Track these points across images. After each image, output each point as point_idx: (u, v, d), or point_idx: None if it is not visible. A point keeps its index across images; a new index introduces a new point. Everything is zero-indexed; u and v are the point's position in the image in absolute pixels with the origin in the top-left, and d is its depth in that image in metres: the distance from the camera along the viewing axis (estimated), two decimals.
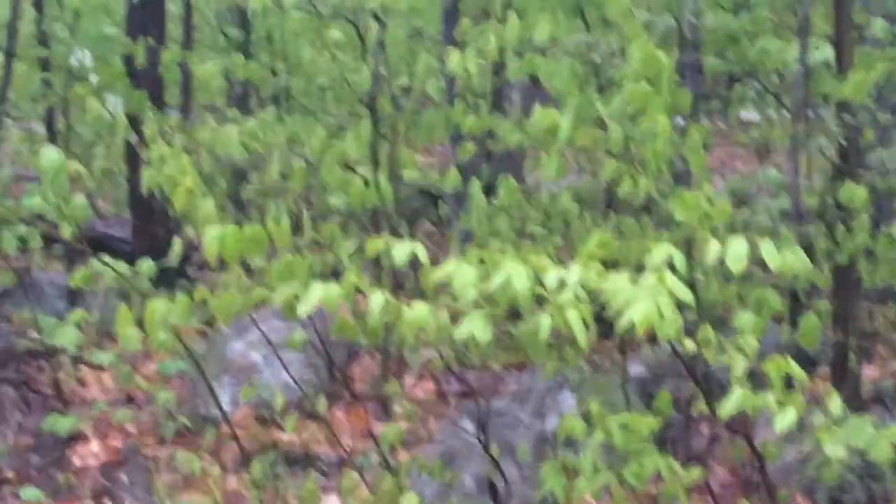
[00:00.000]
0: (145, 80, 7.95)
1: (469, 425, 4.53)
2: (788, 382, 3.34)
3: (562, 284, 3.17)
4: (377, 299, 3.25)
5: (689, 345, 3.57)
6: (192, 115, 9.21)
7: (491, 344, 3.27)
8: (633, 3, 4.25)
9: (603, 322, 3.17)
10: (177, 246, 3.79)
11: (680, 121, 4.83)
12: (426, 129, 7.93)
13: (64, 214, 4.80)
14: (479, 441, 4.27)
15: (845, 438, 3.24)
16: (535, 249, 4.18)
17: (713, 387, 4.08)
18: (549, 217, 5.85)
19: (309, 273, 3.51)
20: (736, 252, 3.21)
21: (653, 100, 4.05)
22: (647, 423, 3.78)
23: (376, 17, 5.78)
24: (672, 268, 3.19)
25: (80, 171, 4.84)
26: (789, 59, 6.22)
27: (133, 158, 7.53)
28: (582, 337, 3.17)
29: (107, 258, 4.93)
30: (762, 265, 3.33)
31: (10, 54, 7.81)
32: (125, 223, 9.35)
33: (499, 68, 6.85)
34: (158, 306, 3.60)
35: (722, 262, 3.27)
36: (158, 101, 8.15)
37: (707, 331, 3.65)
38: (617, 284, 3.10)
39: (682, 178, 4.82)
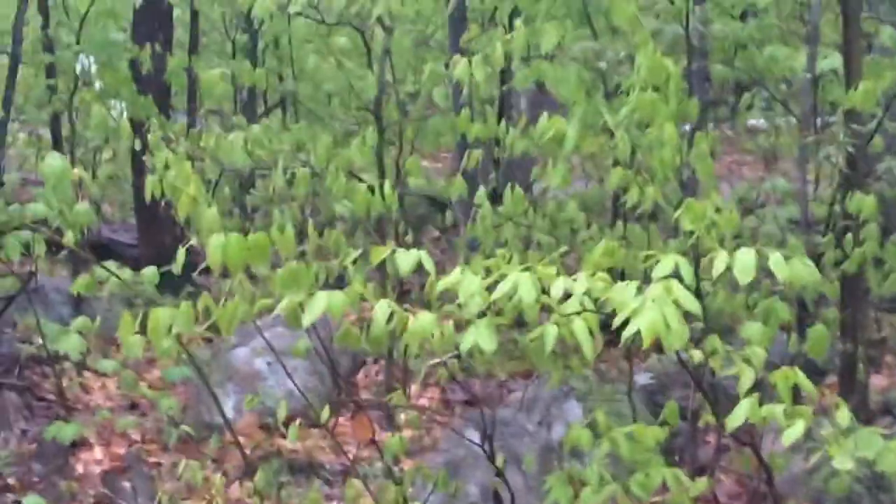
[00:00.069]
0: (151, 85, 7.95)
1: (474, 434, 4.50)
2: (796, 393, 3.32)
3: (568, 294, 3.15)
4: (382, 309, 3.23)
5: (696, 354, 3.55)
6: (197, 121, 9.19)
7: (496, 353, 3.25)
8: (641, 11, 4.24)
9: (609, 329, 3.15)
10: (181, 253, 3.77)
11: (686, 128, 4.81)
12: (432, 136, 7.94)
13: (67, 221, 4.79)
14: (484, 450, 4.25)
15: (853, 449, 3.21)
16: (541, 258, 4.16)
17: (720, 397, 4.05)
18: (555, 225, 5.83)
19: (313, 282, 3.49)
20: (744, 264, 3.18)
21: (660, 108, 4.03)
22: (654, 434, 3.75)
23: (382, 25, 5.76)
24: (679, 277, 3.17)
25: (84, 178, 4.83)
26: (797, 66, 6.19)
27: (138, 164, 7.52)
28: (588, 347, 3.15)
29: (110, 265, 4.91)
30: (770, 274, 3.30)
31: (15, 59, 7.80)
32: (131, 228, 9.35)
33: (506, 75, 6.86)
34: (162, 314, 3.58)
35: (729, 271, 3.24)
36: (164, 107, 8.15)
37: (714, 341, 3.62)
38: (623, 294, 3.08)
39: (689, 186, 4.80)
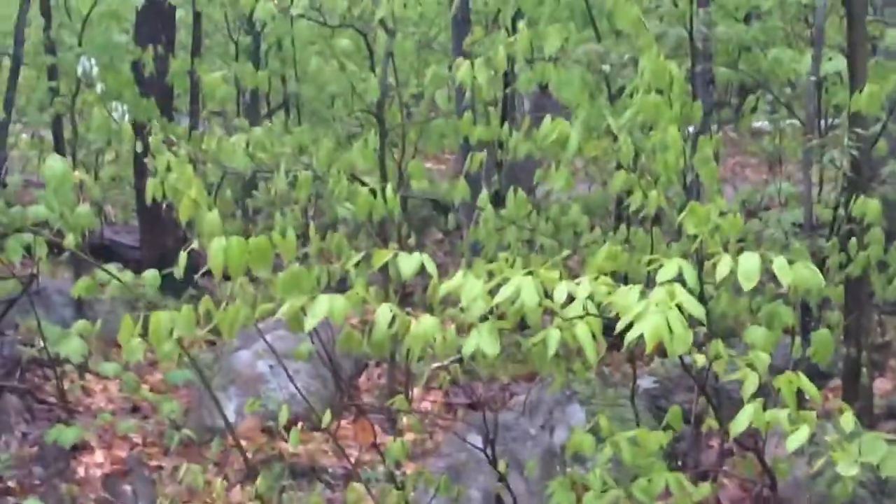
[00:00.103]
0: (154, 87, 7.95)
1: (476, 438, 4.48)
2: (800, 397, 3.30)
3: (571, 298, 3.13)
4: (384, 312, 3.21)
5: (700, 359, 3.53)
6: (200, 123, 9.19)
7: (499, 356, 3.24)
8: (645, 14, 4.23)
9: (612, 333, 3.13)
10: (183, 257, 3.75)
11: (689, 131, 4.80)
12: (435, 139, 7.93)
13: (68, 223, 4.78)
14: (487, 455, 4.23)
15: (857, 454, 3.19)
16: (544, 261, 4.14)
17: (723, 401, 4.03)
18: (558, 229, 5.82)
19: (315, 285, 3.47)
20: (748, 267, 3.16)
21: (664, 111, 4.02)
22: (657, 439, 3.74)
23: (385, 27, 5.75)
24: (682, 281, 3.15)
25: (86, 180, 4.83)
26: (801, 69, 6.18)
27: (140, 166, 7.51)
28: (591, 351, 3.13)
29: (112, 267, 4.91)
30: (774, 278, 3.28)
31: (17, 61, 7.79)
32: (134, 230, 9.35)
33: (509, 78, 6.85)
34: (163, 317, 3.56)
35: (733, 275, 3.22)
36: (167, 109, 8.14)
37: (717, 345, 3.61)
38: (626, 298, 3.06)
39: (692, 189, 4.79)
